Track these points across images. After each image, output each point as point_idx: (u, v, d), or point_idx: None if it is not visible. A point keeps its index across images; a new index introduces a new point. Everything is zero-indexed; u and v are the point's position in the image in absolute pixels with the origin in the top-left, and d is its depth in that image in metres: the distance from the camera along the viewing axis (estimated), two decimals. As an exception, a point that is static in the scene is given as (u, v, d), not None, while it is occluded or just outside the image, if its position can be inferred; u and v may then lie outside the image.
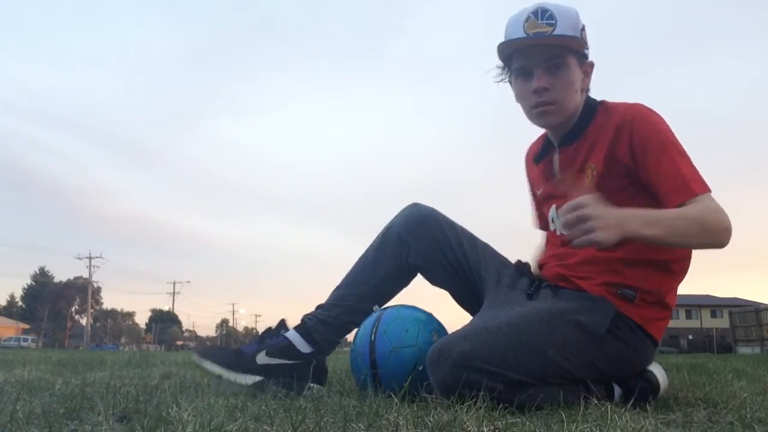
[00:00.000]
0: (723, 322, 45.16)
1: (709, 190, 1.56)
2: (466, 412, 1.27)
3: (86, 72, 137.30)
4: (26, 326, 62.44)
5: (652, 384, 1.69)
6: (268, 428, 1.13)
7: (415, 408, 1.34)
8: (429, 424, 1.16)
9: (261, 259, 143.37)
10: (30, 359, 4.55)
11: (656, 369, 1.74)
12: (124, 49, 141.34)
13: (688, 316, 54.84)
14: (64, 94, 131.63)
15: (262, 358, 1.75)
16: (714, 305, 55.47)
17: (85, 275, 59.84)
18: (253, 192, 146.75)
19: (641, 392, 1.63)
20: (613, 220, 1.39)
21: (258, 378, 1.72)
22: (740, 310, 30.06)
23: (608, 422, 1.17)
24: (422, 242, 1.87)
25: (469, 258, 1.88)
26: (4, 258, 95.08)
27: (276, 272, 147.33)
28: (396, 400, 1.39)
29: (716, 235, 1.51)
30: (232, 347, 1.86)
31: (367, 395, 1.47)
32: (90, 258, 58.02)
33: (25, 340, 50.69)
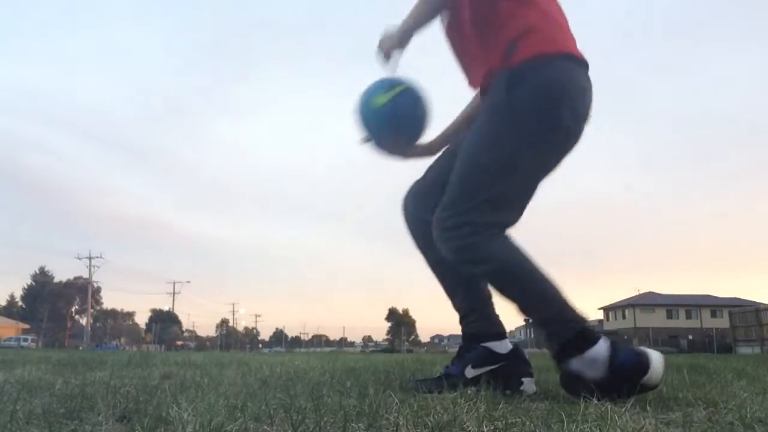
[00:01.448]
0: (723, 322, 45.16)
1: None
2: (466, 412, 1.27)
3: (86, 72, 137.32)
4: (26, 326, 62.40)
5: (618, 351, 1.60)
6: (268, 428, 1.13)
7: (416, 408, 1.34)
8: (429, 424, 1.16)
9: (261, 259, 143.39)
10: (30, 359, 4.55)
11: (654, 354, 1.63)
12: (124, 49, 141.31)
13: (688, 316, 54.88)
14: (64, 94, 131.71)
15: (470, 372, 1.86)
16: (714, 305, 55.47)
17: (85, 275, 59.86)
18: (253, 192, 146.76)
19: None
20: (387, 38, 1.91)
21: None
22: (740, 310, 30.05)
23: (608, 422, 1.17)
24: None
25: None
26: (4, 258, 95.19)
27: (276, 272, 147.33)
28: (396, 400, 1.39)
29: None
30: (437, 374, 1.98)
31: (367, 395, 1.47)
32: (90, 258, 58.03)
33: (25, 340, 50.67)
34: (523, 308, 1.72)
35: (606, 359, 1.61)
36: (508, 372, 1.84)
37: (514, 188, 1.75)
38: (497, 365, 1.85)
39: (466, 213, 1.70)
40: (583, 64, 1.77)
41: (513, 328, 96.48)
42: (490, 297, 1.95)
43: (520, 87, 1.68)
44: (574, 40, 1.81)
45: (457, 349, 2.01)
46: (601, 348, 1.63)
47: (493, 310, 1.95)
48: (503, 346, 1.89)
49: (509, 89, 1.69)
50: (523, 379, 1.83)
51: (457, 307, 1.98)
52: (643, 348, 1.65)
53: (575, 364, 1.63)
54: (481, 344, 1.90)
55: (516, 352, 1.90)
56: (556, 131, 1.72)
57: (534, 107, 1.68)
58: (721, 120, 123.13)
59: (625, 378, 1.57)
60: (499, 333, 1.92)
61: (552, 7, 1.83)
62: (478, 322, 1.93)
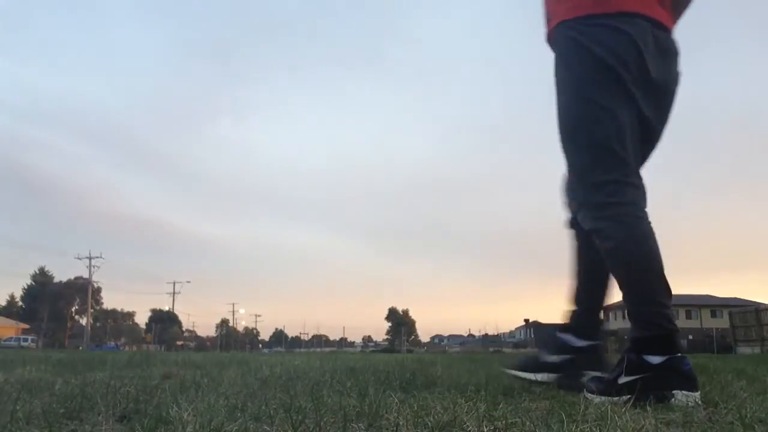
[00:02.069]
0: (723, 322, 45.09)
1: None
2: (466, 412, 1.27)
3: (86, 73, 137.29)
4: (26, 326, 62.39)
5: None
6: (268, 428, 1.13)
7: (416, 408, 1.34)
8: (429, 424, 1.16)
9: (261, 259, 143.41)
10: (30, 359, 4.55)
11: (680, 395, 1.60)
12: (125, 49, 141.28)
13: (688, 316, 54.81)
14: (64, 95, 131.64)
15: (551, 359, 2.07)
16: (714, 305, 55.42)
17: (85, 275, 59.84)
18: (254, 192, 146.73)
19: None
20: None
21: (550, 375, 2.04)
22: (740, 310, 30.01)
23: (608, 422, 1.17)
24: None
25: None
26: (4, 258, 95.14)
27: (276, 272, 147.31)
28: (396, 400, 1.39)
29: None
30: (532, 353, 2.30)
31: (367, 395, 1.47)
32: (90, 258, 58.01)
33: (25, 340, 50.66)
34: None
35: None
36: (581, 363, 2.02)
37: None
38: (572, 356, 2.04)
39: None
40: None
41: (513, 328, 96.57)
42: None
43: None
44: None
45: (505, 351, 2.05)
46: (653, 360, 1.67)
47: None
48: (581, 341, 2.09)
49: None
50: (588, 373, 1.92)
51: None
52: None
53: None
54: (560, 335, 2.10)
55: (595, 346, 2.05)
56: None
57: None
58: (721, 119, 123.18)
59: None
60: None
61: None
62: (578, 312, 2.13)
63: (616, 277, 1.80)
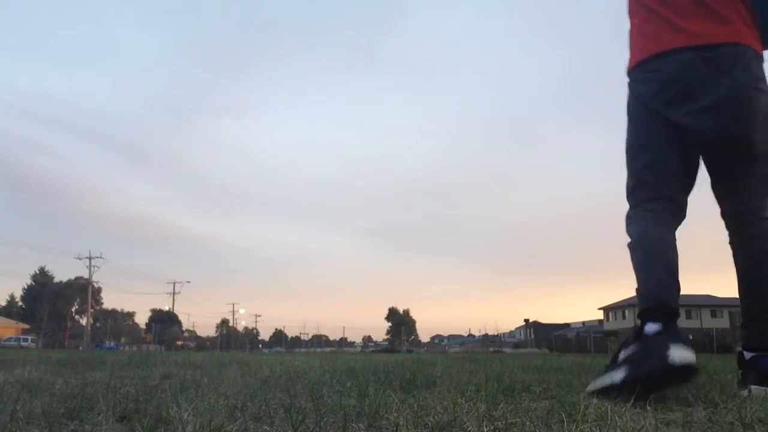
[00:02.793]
0: (723, 322, 45.09)
1: None
2: (466, 412, 1.27)
3: (86, 73, 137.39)
4: (26, 326, 62.38)
5: None
6: (268, 428, 1.13)
7: (416, 408, 1.34)
8: (429, 424, 1.16)
9: (261, 259, 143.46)
10: (30, 359, 4.55)
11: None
12: (124, 49, 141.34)
13: (688, 316, 54.79)
14: (64, 95, 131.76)
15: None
16: (714, 305, 55.41)
17: (85, 275, 59.82)
18: (253, 192, 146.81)
19: None
20: None
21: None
22: (740, 310, 29.93)
23: (608, 422, 1.17)
24: None
25: None
26: (4, 258, 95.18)
27: (275, 272, 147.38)
28: (396, 400, 1.39)
29: None
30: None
31: (367, 395, 1.47)
32: (90, 258, 58.00)
33: (25, 340, 50.66)
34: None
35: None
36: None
37: None
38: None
39: None
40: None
41: (513, 328, 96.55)
42: None
43: None
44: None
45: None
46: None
47: None
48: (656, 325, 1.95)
49: None
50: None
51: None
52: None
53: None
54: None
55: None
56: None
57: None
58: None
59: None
60: None
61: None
62: None
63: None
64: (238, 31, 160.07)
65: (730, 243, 2.10)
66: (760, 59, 2.00)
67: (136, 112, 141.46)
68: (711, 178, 2.13)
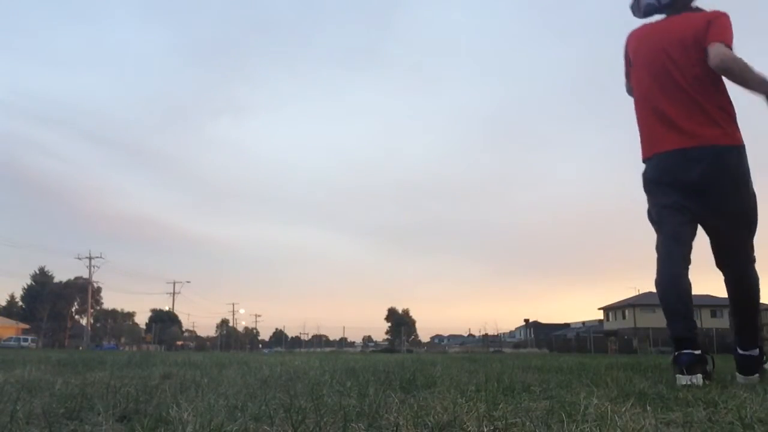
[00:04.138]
0: (723, 322, 45.06)
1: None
2: (466, 412, 1.27)
3: (86, 73, 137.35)
4: (26, 326, 62.38)
5: None
6: (268, 428, 1.13)
7: (416, 408, 1.34)
8: (429, 424, 1.16)
9: (261, 259, 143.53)
10: (30, 359, 4.55)
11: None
12: (124, 50, 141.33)
13: (688, 316, 54.74)
14: (64, 95, 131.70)
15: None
16: (714, 305, 55.37)
17: (85, 275, 59.80)
18: (253, 192, 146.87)
19: None
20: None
21: None
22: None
23: (608, 422, 1.17)
24: None
25: None
26: (4, 258, 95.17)
27: (275, 272, 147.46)
28: (396, 400, 1.39)
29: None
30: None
31: (367, 395, 1.47)
32: (90, 258, 57.98)
33: (25, 340, 50.65)
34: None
35: None
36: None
37: None
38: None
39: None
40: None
41: (513, 328, 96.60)
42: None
43: None
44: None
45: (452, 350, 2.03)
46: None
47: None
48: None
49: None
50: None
51: None
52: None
53: None
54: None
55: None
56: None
57: None
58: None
59: None
60: None
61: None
62: None
63: None
64: (237, 31, 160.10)
65: (725, 282, 2.77)
66: (736, 149, 2.61)
67: (136, 112, 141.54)
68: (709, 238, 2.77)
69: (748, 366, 2.59)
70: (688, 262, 2.60)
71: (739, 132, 2.65)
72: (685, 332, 2.44)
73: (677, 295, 2.53)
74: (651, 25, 2.84)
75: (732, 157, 2.60)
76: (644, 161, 2.81)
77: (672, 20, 2.77)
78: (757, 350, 2.60)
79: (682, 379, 2.31)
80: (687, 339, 2.41)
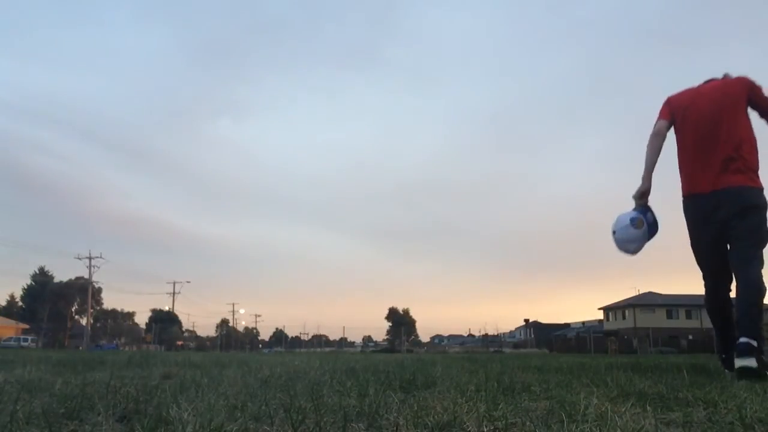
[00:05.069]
0: (723, 322, 45.00)
1: None
2: (467, 412, 1.27)
3: (87, 73, 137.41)
4: (26, 326, 62.35)
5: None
6: (268, 428, 1.13)
7: (416, 408, 1.34)
8: (429, 424, 1.16)
9: (261, 259, 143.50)
10: (30, 359, 4.55)
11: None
12: (124, 50, 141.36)
13: (688, 316, 54.81)
14: (64, 95, 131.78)
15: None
16: (714, 305, 55.35)
17: (85, 275, 59.74)
18: (253, 192, 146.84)
19: None
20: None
21: None
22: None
23: (608, 422, 1.17)
24: None
25: None
26: (4, 258, 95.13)
27: (276, 272, 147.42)
28: (396, 400, 1.39)
29: None
30: None
31: (367, 395, 1.48)
32: (90, 258, 57.92)
33: (25, 340, 50.62)
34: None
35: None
36: None
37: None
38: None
39: None
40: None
41: (513, 328, 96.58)
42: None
43: None
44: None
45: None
46: None
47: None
48: None
49: None
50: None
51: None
52: None
53: None
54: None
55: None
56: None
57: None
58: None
59: None
60: None
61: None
62: None
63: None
64: (238, 32, 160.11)
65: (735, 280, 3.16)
66: (756, 189, 3.18)
67: (136, 113, 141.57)
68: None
69: (746, 350, 2.77)
70: (729, 281, 3.22)
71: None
72: (732, 343, 2.93)
73: (723, 319, 3.26)
74: (695, 89, 3.44)
75: (754, 195, 3.18)
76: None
77: (713, 85, 3.38)
78: (756, 341, 2.83)
79: (739, 362, 2.70)
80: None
